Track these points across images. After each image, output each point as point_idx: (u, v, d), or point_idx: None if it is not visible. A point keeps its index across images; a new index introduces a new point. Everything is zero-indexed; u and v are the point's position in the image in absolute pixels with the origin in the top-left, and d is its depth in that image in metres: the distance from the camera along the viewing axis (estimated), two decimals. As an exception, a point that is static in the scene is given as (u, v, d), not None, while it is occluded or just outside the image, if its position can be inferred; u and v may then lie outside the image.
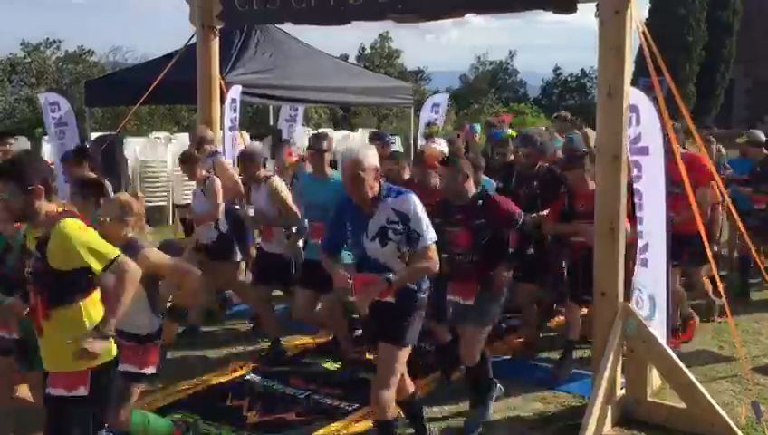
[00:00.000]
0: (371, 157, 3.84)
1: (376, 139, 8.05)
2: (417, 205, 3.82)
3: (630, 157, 4.70)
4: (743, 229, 5.64)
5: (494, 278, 4.60)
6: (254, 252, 6.72)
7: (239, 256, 6.41)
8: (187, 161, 6.34)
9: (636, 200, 4.79)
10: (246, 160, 6.01)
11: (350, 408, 4.96)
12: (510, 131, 11.58)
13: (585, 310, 5.72)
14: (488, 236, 4.56)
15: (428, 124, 11.14)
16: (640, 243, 4.82)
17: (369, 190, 3.79)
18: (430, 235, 3.82)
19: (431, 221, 4.03)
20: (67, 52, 23.49)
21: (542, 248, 5.87)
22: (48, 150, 10.93)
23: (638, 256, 4.82)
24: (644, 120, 4.69)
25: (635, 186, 4.78)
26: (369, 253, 3.88)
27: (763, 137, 7.93)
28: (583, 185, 5.53)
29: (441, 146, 6.81)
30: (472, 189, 4.66)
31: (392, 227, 3.79)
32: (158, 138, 14.37)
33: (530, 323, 6.31)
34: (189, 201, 6.98)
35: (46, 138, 10.79)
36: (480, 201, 4.60)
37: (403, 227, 3.78)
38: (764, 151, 7.76)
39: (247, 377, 5.50)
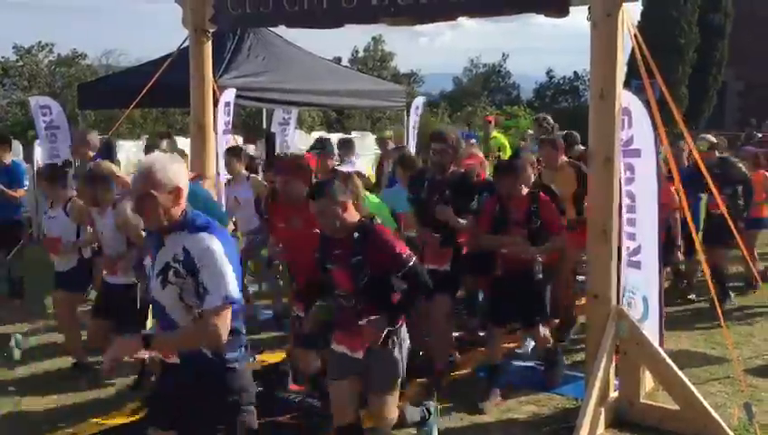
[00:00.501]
0: (172, 172, 2.91)
1: (319, 147, 7.22)
2: (214, 251, 2.83)
3: (623, 159, 4.71)
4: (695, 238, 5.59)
5: (369, 331, 3.74)
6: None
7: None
8: (52, 179, 5.75)
9: (628, 202, 4.80)
10: (90, 181, 5.31)
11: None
12: (495, 133, 11.62)
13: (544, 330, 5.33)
14: (367, 276, 3.73)
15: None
16: (633, 245, 4.83)
17: (163, 216, 2.90)
18: (221, 294, 2.79)
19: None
20: (59, 55, 23.42)
21: (458, 257, 5.35)
22: (39, 154, 10.90)
23: (629, 258, 4.84)
24: (636, 123, 4.71)
25: (627, 188, 4.79)
26: (153, 294, 3.03)
27: (713, 140, 7.89)
28: (515, 190, 5.21)
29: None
30: (352, 218, 3.82)
31: (175, 266, 2.89)
32: (151, 141, 14.34)
33: (442, 347, 5.46)
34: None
35: (38, 141, 10.76)
36: (357, 234, 3.77)
37: (186, 272, 2.87)
38: (717, 155, 7.70)
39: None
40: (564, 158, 6.51)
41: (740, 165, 7.58)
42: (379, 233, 3.79)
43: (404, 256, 3.75)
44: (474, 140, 10.05)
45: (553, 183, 6.26)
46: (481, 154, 7.34)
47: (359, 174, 5.33)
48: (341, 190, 3.81)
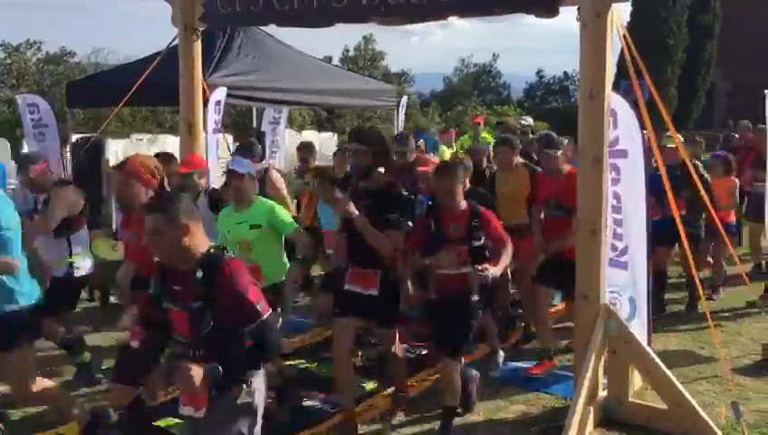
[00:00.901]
0: None
1: (243, 148, 6.44)
2: None
3: (609, 160, 4.71)
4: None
5: (183, 377, 2.88)
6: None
7: None
8: None
9: (614, 203, 4.81)
10: None
11: (332, 410, 4.96)
12: (483, 133, 11.62)
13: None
14: (211, 325, 2.97)
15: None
16: (619, 246, 4.85)
17: None
18: None
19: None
20: (48, 53, 23.29)
21: (387, 280, 4.55)
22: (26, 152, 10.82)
23: (614, 258, 4.85)
24: (621, 123, 4.73)
25: (613, 189, 4.80)
26: None
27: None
28: (452, 202, 4.62)
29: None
30: (197, 247, 3.01)
31: None
32: (140, 139, 14.30)
33: (399, 373, 5.04)
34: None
35: (26, 140, 10.68)
36: (201, 272, 2.98)
37: None
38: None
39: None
40: (519, 159, 6.48)
41: (702, 171, 7.30)
42: (229, 273, 2.95)
43: (256, 306, 2.94)
44: (421, 142, 9.66)
45: (507, 184, 6.28)
46: (436, 160, 7.06)
47: (251, 176, 4.82)
48: (187, 210, 3.01)
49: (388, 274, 4.56)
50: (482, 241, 4.62)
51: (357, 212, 4.39)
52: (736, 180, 8.07)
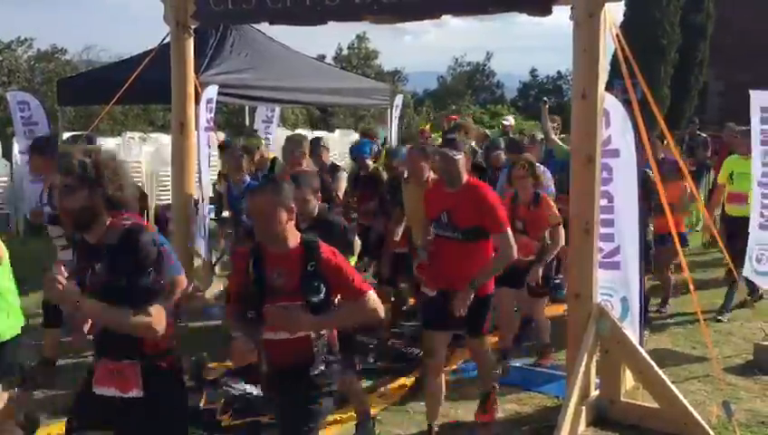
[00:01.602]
0: None
1: (38, 149, 5.57)
2: None
3: (601, 160, 4.71)
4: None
5: None
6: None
7: None
8: None
9: (604, 202, 4.81)
10: None
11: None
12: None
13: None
14: None
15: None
16: (610, 246, 4.85)
17: None
18: None
19: None
20: (39, 50, 23.17)
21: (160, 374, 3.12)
22: (18, 150, 10.78)
23: (603, 259, 4.85)
24: (614, 123, 4.73)
25: (604, 188, 4.79)
26: None
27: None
28: (269, 236, 3.13)
29: None
30: None
31: None
32: (132, 137, 14.25)
33: None
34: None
35: (17, 137, 10.63)
36: None
37: None
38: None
39: (221, 380, 5.45)
40: (431, 173, 5.34)
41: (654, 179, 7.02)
42: None
43: None
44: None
45: (417, 199, 5.21)
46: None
47: None
48: None
49: (153, 362, 2.99)
50: (322, 295, 3.12)
51: (87, 305, 2.78)
52: (686, 185, 7.90)
